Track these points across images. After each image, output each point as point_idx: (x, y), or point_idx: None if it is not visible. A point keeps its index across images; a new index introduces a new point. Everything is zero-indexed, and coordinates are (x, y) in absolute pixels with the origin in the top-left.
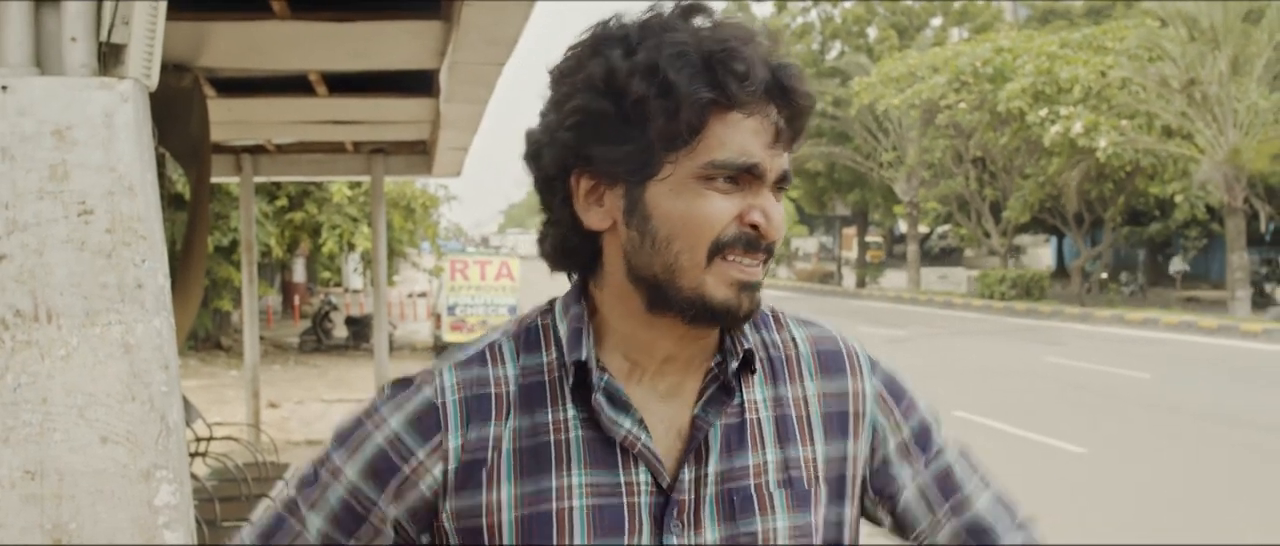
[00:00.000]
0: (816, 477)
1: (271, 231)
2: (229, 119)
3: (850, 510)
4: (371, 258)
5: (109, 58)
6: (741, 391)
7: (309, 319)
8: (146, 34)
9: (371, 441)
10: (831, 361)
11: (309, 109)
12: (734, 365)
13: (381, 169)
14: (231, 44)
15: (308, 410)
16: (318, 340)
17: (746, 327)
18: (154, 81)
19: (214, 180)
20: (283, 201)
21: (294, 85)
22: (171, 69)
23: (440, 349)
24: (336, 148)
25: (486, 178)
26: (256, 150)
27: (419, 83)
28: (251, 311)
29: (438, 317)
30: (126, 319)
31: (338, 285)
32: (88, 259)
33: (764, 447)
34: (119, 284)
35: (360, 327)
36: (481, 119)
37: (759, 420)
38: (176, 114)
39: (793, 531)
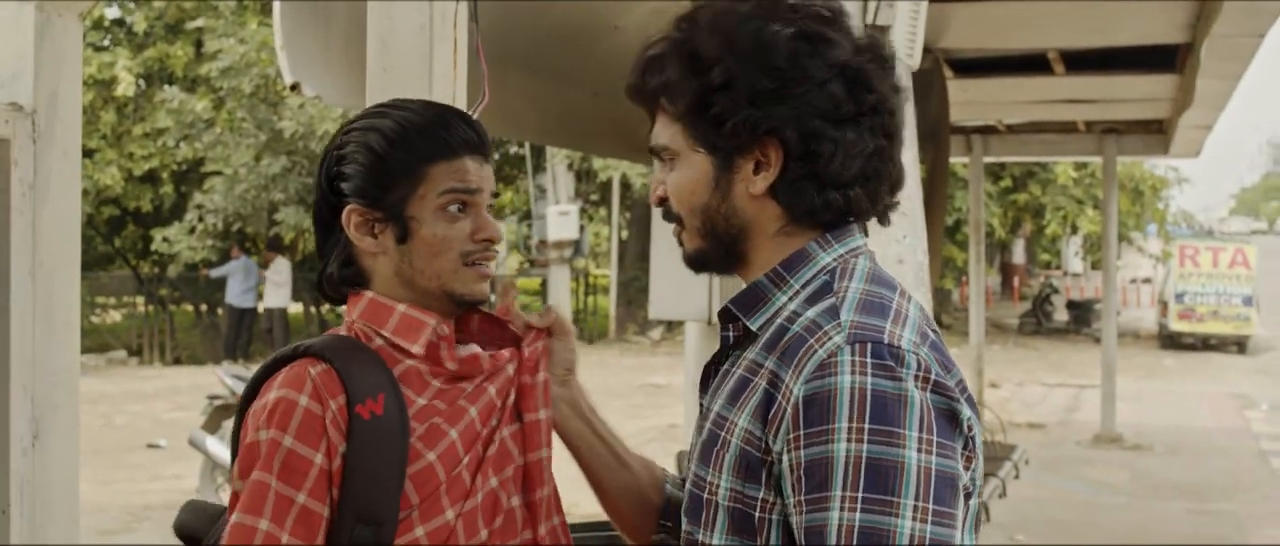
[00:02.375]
0: (717, 439)
1: (994, 212)
2: (963, 99)
3: (710, 475)
4: (1097, 241)
5: None
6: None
7: (1028, 300)
8: (910, 17)
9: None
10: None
11: (1043, 88)
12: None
13: (1114, 149)
14: (973, 25)
15: (1027, 392)
16: (1037, 322)
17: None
18: (916, 62)
19: None
20: (1006, 182)
21: (1030, 64)
22: None
23: (1166, 337)
24: (1067, 127)
25: (1217, 159)
26: (987, 130)
27: (1159, 58)
28: (977, 291)
29: (1164, 305)
30: None
31: (1057, 268)
32: None
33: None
34: (881, 259)
35: (1081, 311)
36: (1232, 96)
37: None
38: (917, 94)
39: (694, 478)
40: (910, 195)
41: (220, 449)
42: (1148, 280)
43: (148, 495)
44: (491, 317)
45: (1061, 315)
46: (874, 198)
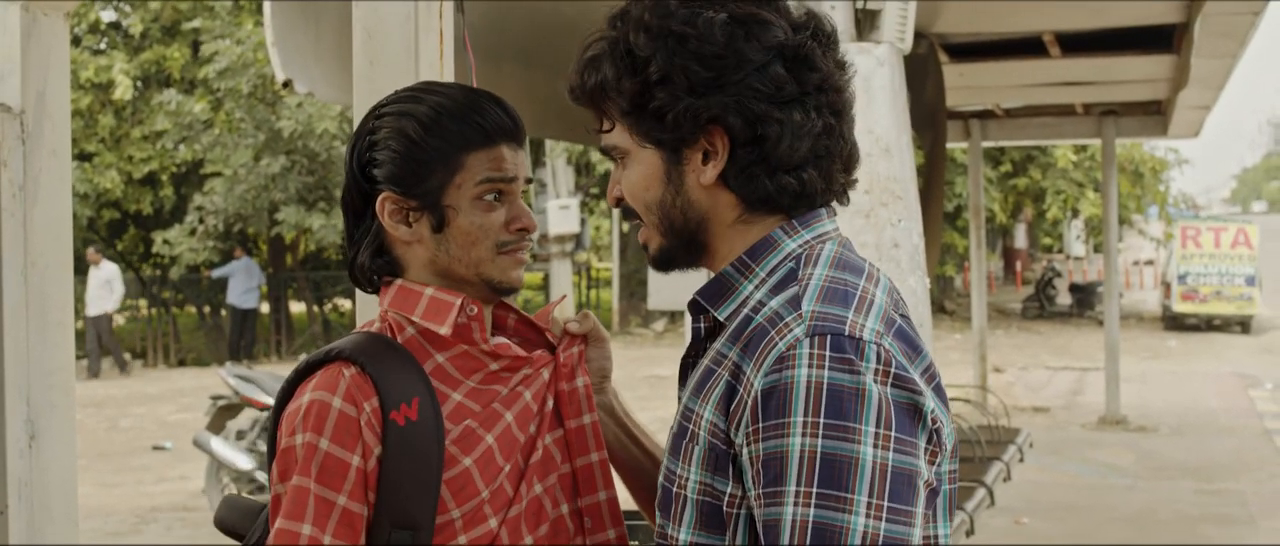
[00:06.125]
0: (686, 432)
1: (995, 197)
2: (959, 84)
3: (680, 468)
4: (1099, 223)
5: (864, 23)
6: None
7: (1031, 285)
8: (901, 1)
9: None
10: (754, 338)
11: (1040, 71)
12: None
13: (1112, 131)
14: (967, 9)
15: (1032, 377)
16: (1040, 306)
17: (749, 283)
18: (907, 45)
19: None
20: (1006, 167)
21: (1026, 47)
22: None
23: (1169, 319)
24: (1065, 110)
25: (1217, 140)
26: (984, 115)
27: (1156, 39)
28: (979, 277)
29: (1167, 286)
30: None
31: (1059, 251)
32: (846, 219)
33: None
34: (877, 244)
35: (1084, 295)
36: (1230, 75)
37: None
38: (912, 80)
39: (665, 472)
40: (905, 179)
41: (224, 449)
42: (1150, 262)
43: (154, 497)
44: (527, 320)
45: (1064, 299)
46: (828, 178)
